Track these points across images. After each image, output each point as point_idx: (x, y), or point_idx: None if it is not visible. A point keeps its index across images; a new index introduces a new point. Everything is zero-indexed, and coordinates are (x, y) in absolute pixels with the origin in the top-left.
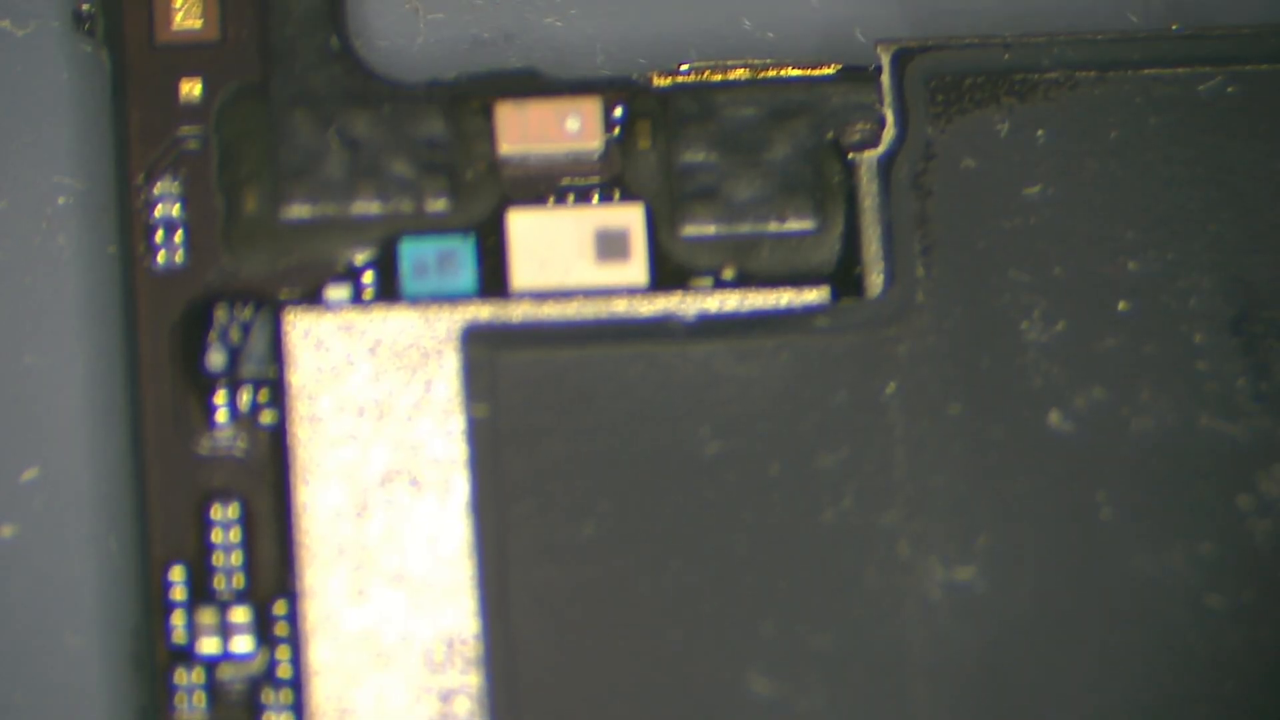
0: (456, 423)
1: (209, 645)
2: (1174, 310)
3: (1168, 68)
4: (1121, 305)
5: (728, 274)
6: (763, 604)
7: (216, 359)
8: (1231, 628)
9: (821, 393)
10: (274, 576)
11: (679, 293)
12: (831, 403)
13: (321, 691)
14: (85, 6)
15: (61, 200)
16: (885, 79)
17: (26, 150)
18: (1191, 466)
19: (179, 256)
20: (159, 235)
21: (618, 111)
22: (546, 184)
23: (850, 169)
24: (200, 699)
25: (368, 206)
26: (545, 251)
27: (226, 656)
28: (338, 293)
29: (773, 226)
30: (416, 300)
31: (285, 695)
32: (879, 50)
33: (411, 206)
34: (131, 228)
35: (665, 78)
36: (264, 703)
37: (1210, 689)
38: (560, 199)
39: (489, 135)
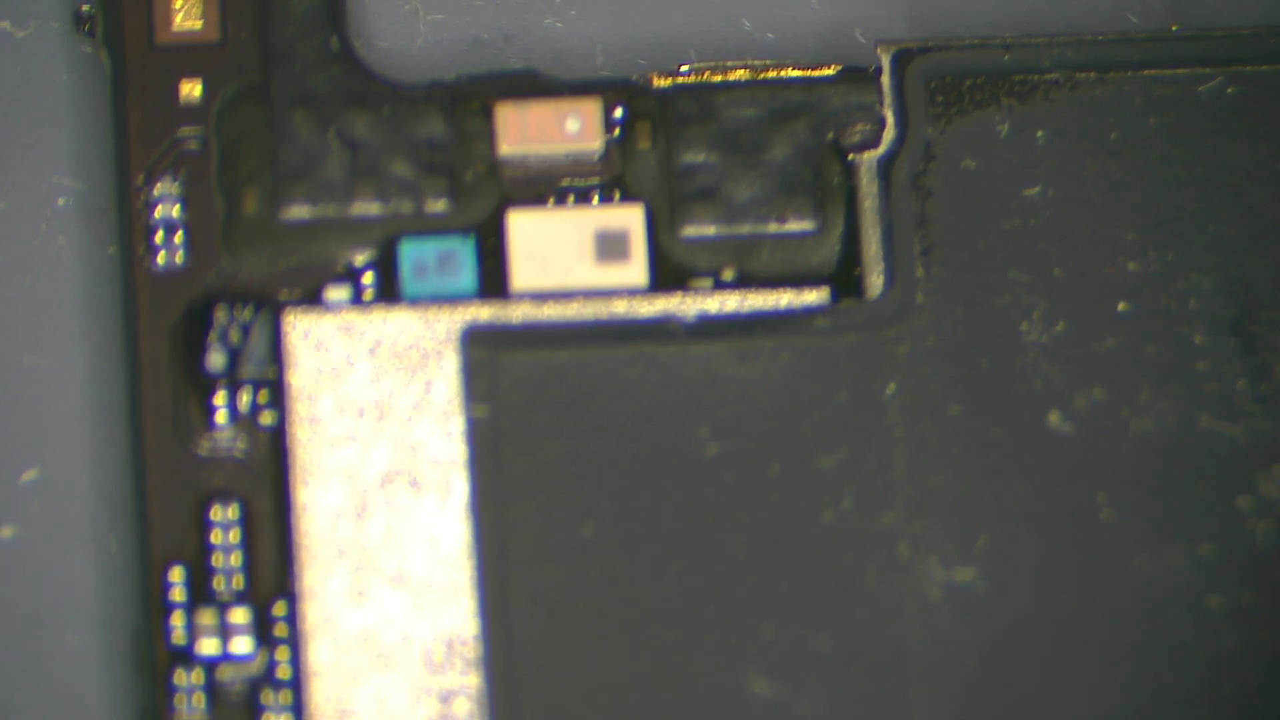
0: (456, 424)
1: (209, 646)
2: (1174, 311)
3: (1168, 69)
4: (1121, 306)
5: (727, 275)
6: (762, 605)
7: (216, 360)
8: (1231, 629)
9: (821, 393)
10: (274, 577)
11: (679, 294)
12: (831, 403)
13: (321, 692)
14: (85, 7)
15: (61, 201)
16: (885, 80)
17: (26, 151)
18: (1191, 467)
19: (179, 257)
20: (159, 236)
21: (618, 112)
22: (546, 185)
23: (850, 170)
24: (200, 700)
25: (367, 207)
26: (545, 252)
27: (226, 657)
28: (337, 293)
29: (773, 227)
30: (416, 301)
31: (285, 696)
32: (879, 51)
33: (411, 207)
34: (131, 228)
35: (665, 78)
36: (263, 703)
37: (1210, 689)
38: (560, 200)
39: (489, 136)
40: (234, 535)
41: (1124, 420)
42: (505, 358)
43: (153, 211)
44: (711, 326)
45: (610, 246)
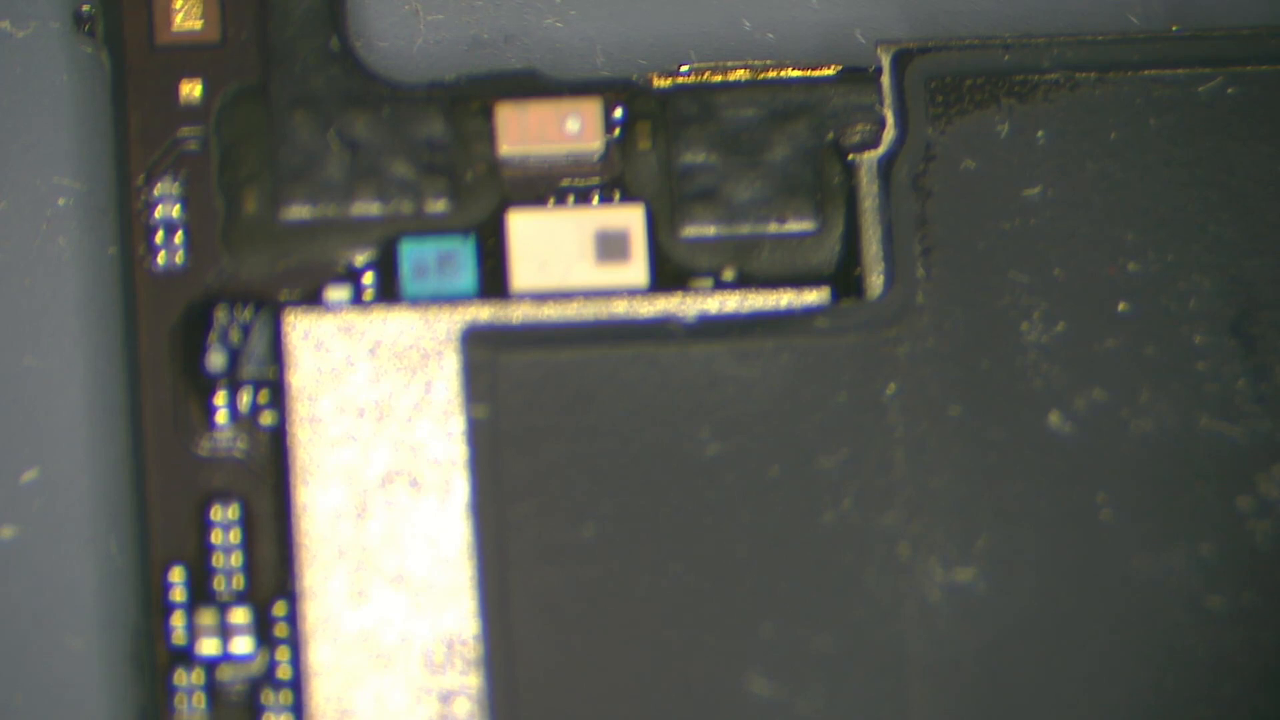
0: (456, 424)
1: (209, 646)
2: (1174, 312)
3: (1168, 69)
4: (1121, 306)
5: (728, 275)
6: (763, 605)
7: (217, 360)
8: (1231, 629)
9: (822, 394)
10: (274, 578)
11: (679, 294)
12: (832, 404)
13: (321, 692)
14: (85, 7)
15: (62, 201)
16: (885, 80)
17: (26, 151)
18: (1191, 468)
19: (179, 258)
20: (159, 236)
21: (618, 112)
22: (546, 185)
23: (850, 170)
24: (200, 700)
25: (367, 207)
26: (545, 252)
27: (226, 657)
28: (338, 294)
29: (773, 227)
30: (417, 301)
31: (285, 696)
32: (879, 51)
33: (411, 207)
34: (131, 229)
35: (665, 79)
36: (264, 704)
37: (1210, 690)
38: (560, 200)
39: (489, 136)
40: (234, 535)
41: (1124, 420)
42: (505, 358)
43: (153, 211)
44: (711, 326)
45: (610, 246)
